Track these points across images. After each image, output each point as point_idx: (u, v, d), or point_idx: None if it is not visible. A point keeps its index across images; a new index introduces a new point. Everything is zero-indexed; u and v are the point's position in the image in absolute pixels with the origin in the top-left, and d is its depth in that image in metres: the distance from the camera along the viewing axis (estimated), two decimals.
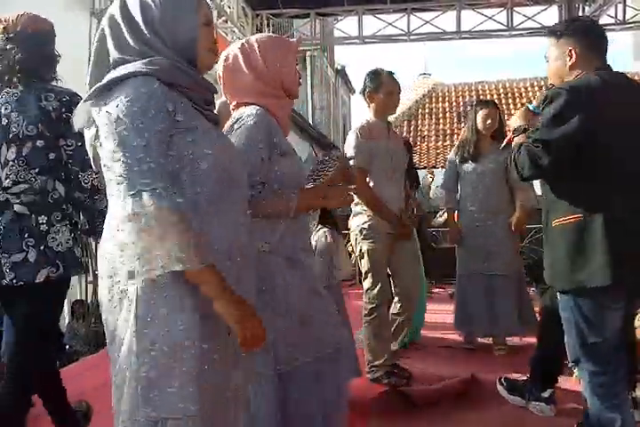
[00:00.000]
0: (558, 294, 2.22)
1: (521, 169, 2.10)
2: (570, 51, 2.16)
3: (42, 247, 2.07)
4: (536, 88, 15.76)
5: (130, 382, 1.32)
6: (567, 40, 2.17)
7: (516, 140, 2.24)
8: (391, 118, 3.66)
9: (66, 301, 7.05)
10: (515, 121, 2.33)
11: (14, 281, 2.03)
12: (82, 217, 2.23)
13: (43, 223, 2.09)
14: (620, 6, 7.52)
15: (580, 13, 7.36)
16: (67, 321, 7.46)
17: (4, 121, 2.10)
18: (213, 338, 1.34)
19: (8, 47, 2.17)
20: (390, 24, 8.70)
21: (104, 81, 1.34)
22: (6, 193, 2.09)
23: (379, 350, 3.27)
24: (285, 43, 2.03)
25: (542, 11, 8.19)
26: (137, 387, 1.30)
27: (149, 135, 1.28)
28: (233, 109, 2.02)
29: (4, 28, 2.22)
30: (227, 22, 7.26)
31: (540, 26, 8.12)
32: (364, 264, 3.29)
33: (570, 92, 2.03)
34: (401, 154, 3.46)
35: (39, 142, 2.10)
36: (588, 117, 2.02)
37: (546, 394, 2.87)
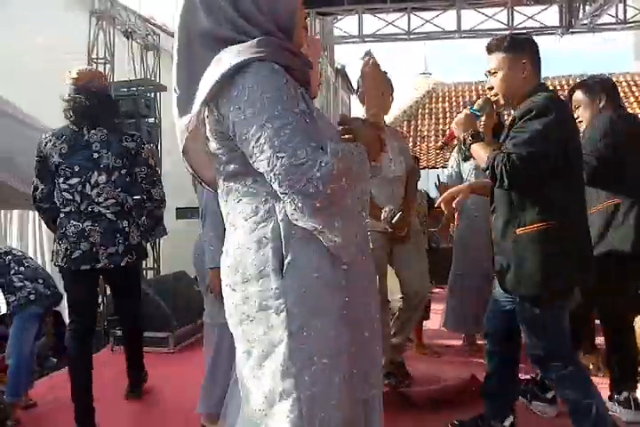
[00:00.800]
0: (519, 298, 2.27)
1: (511, 178, 2.15)
2: (524, 64, 2.28)
3: (126, 243, 3.03)
4: None
5: (285, 401, 1.26)
6: (522, 54, 2.29)
7: (476, 147, 2.33)
8: (391, 118, 3.62)
9: (65, 301, 6.99)
10: (459, 126, 2.40)
11: (107, 264, 2.98)
12: (147, 221, 3.20)
13: (125, 226, 3.05)
14: (621, 6, 7.52)
15: (581, 13, 7.35)
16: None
17: (95, 155, 2.99)
18: (356, 344, 1.33)
19: (77, 96, 3.01)
20: (390, 23, 8.69)
21: (222, 72, 1.23)
22: (99, 206, 2.98)
23: None
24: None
25: (543, 10, 8.18)
26: (300, 408, 1.25)
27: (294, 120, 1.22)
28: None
29: (74, 78, 3.04)
30: None
31: (540, 25, 8.11)
32: None
33: (558, 110, 2.18)
34: (398, 153, 3.41)
35: (122, 171, 3.05)
36: (569, 134, 2.22)
37: (548, 395, 2.87)
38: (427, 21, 8.47)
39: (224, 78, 1.23)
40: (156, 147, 7.02)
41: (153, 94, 7.09)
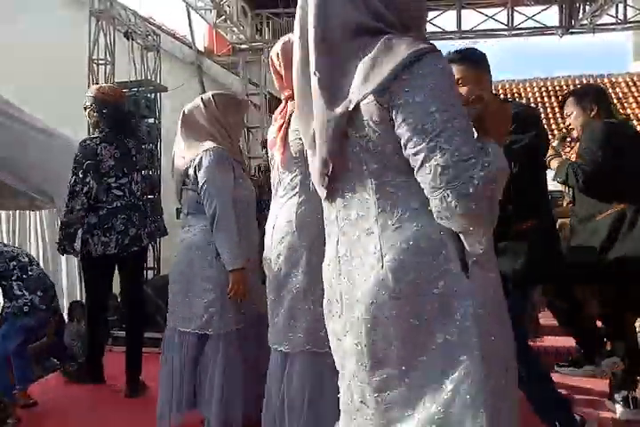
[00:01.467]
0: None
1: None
2: (488, 79, 2.41)
3: (152, 225, 3.69)
4: (535, 89, 15.75)
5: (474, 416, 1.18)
6: (484, 67, 2.39)
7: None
8: None
9: (65, 301, 6.97)
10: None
11: (147, 243, 3.78)
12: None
13: (149, 213, 3.70)
14: (621, 6, 7.51)
15: (581, 13, 7.34)
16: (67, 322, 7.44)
17: (134, 158, 3.64)
18: None
19: (96, 109, 3.57)
20: None
21: (400, 59, 1.18)
22: (139, 200, 3.64)
23: None
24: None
25: (543, 10, 8.19)
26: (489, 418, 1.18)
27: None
28: (288, 97, 2.15)
29: (110, 95, 3.63)
30: (226, 22, 7.25)
31: (541, 25, 8.11)
32: None
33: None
34: None
35: (146, 170, 3.92)
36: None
37: None
38: (427, 21, 8.48)
39: (401, 66, 1.18)
40: (156, 147, 7.02)
41: (153, 95, 7.09)
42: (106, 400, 3.50)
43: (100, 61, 6.47)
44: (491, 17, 8.16)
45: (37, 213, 6.78)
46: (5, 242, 6.21)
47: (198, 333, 2.72)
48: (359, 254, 1.28)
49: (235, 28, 7.41)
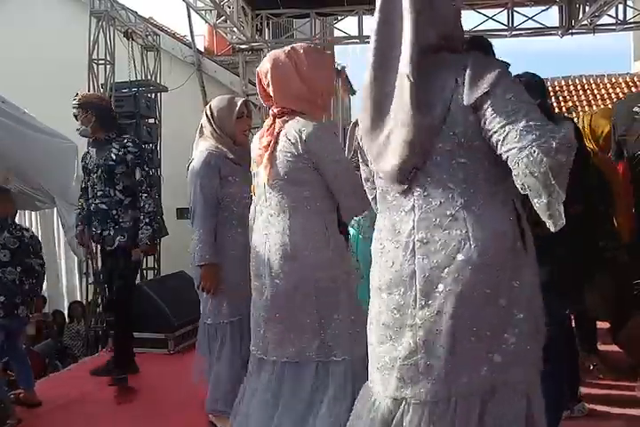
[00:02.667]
0: None
1: None
2: None
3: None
4: None
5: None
6: (491, 55, 2.35)
7: None
8: None
9: (65, 301, 6.98)
10: None
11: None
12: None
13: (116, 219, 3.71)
14: (621, 6, 7.51)
15: (581, 14, 7.33)
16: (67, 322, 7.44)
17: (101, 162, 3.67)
18: None
19: (81, 111, 3.63)
20: None
21: (497, 72, 1.42)
22: (96, 204, 3.73)
23: None
24: (325, 56, 2.33)
25: (543, 11, 8.18)
26: None
27: None
28: (277, 114, 2.21)
29: (105, 100, 4.08)
30: (226, 22, 7.24)
31: (541, 26, 8.11)
32: None
33: None
34: None
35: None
36: None
37: None
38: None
39: (495, 78, 1.42)
40: (156, 147, 7.02)
41: (153, 95, 7.09)
42: (106, 401, 3.50)
43: (100, 61, 6.47)
44: (491, 17, 8.15)
45: (38, 212, 6.78)
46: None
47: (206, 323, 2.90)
48: (442, 237, 1.47)
49: (235, 29, 7.40)
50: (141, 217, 3.58)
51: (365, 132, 1.60)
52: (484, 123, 1.41)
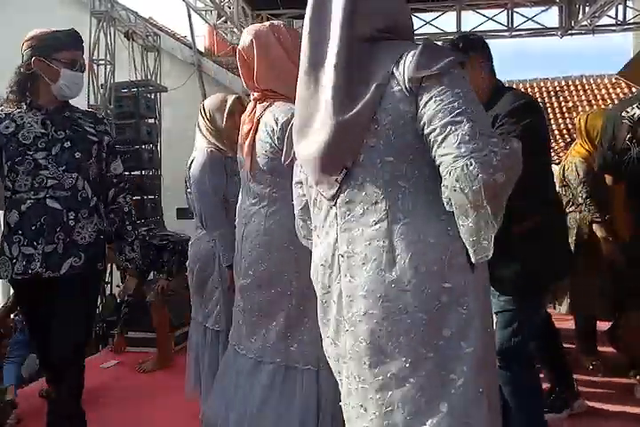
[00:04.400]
0: (501, 296, 2.22)
1: None
2: (481, 63, 2.28)
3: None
4: (535, 89, 15.75)
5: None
6: (477, 53, 2.29)
7: None
8: None
9: None
10: None
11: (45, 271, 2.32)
12: None
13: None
14: (621, 7, 7.51)
15: (581, 14, 7.34)
16: None
17: None
18: None
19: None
20: None
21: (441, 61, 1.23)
22: None
23: None
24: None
25: (543, 11, 8.19)
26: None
27: None
28: (258, 99, 2.06)
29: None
30: (226, 22, 7.26)
31: (540, 27, 8.11)
32: None
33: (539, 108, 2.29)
34: None
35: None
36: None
37: None
38: (427, 23, 8.47)
39: (443, 64, 1.24)
40: (156, 147, 7.02)
41: (153, 95, 7.09)
42: (106, 401, 3.50)
43: (101, 62, 6.49)
44: (491, 18, 8.16)
45: None
46: None
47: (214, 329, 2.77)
48: (363, 250, 1.26)
49: (235, 29, 7.41)
50: (127, 229, 2.53)
51: (295, 132, 1.44)
52: (424, 115, 1.21)
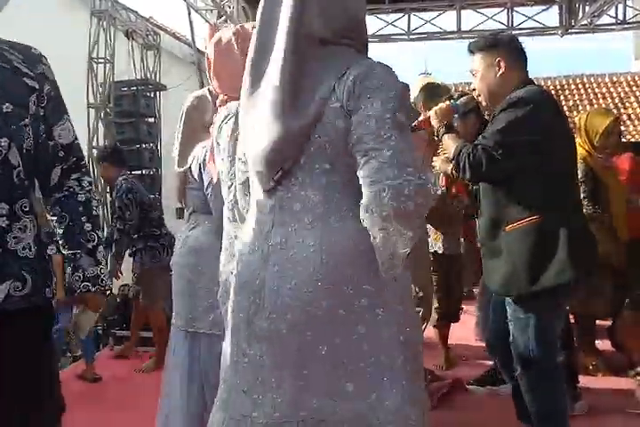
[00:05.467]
0: (509, 301, 2.23)
1: (473, 170, 2.14)
2: (498, 62, 2.25)
3: None
4: None
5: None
6: (496, 52, 2.27)
7: (447, 138, 2.29)
8: None
9: None
10: (436, 117, 2.34)
11: None
12: None
13: None
14: (621, 6, 7.51)
15: (581, 14, 7.34)
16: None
17: None
18: None
19: None
20: (390, 23, 8.69)
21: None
22: None
23: None
24: None
25: (542, 11, 8.19)
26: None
27: None
28: (222, 103, 2.00)
29: None
30: (227, 22, 7.26)
31: (540, 26, 8.11)
32: None
33: (536, 102, 2.15)
34: None
35: None
36: (546, 126, 2.15)
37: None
38: (427, 22, 8.47)
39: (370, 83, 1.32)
40: (156, 147, 7.03)
41: (153, 94, 7.10)
42: (106, 401, 3.50)
43: (100, 60, 6.48)
44: (490, 17, 8.16)
45: None
46: None
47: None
48: (294, 245, 1.35)
49: None
50: (84, 230, 1.56)
51: (241, 124, 1.50)
52: (353, 135, 1.29)
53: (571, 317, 3.69)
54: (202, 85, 8.85)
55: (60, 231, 1.57)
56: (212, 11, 7.28)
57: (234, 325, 1.45)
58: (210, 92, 2.63)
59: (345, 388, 1.31)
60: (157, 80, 7.30)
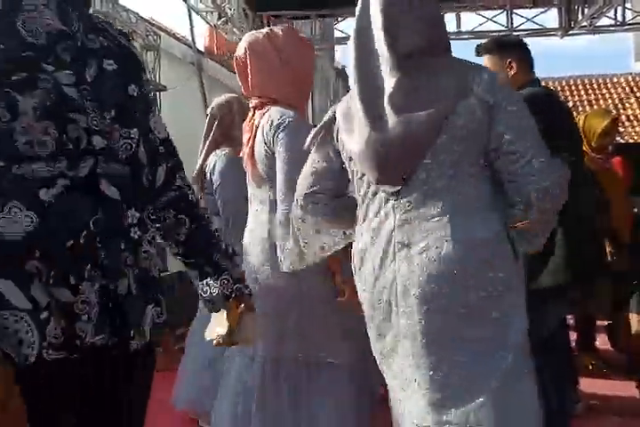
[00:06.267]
0: None
1: None
2: (509, 63, 2.31)
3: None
4: None
5: None
6: (506, 54, 2.33)
7: None
8: None
9: None
10: None
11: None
12: None
13: None
14: (620, 8, 7.51)
15: (580, 15, 7.34)
16: None
17: None
18: None
19: None
20: None
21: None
22: None
23: None
24: (307, 42, 2.17)
25: (542, 12, 8.19)
26: None
27: None
28: (256, 106, 2.06)
29: None
30: (227, 23, 7.26)
31: (540, 27, 8.11)
32: None
33: (535, 103, 2.15)
34: None
35: None
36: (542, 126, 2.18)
37: None
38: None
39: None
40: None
41: (152, 94, 7.11)
42: None
43: None
44: (490, 19, 8.17)
45: None
46: None
47: None
48: (420, 240, 1.41)
49: (235, 30, 7.41)
50: (212, 230, 1.35)
51: (346, 129, 1.54)
52: (501, 142, 1.40)
53: (570, 317, 3.71)
54: (202, 86, 8.86)
55: (182, 237, 1.29)
56: (212, 12, 7.29)
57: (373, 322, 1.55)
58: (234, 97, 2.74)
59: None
60: (157, 81, 7.31)
